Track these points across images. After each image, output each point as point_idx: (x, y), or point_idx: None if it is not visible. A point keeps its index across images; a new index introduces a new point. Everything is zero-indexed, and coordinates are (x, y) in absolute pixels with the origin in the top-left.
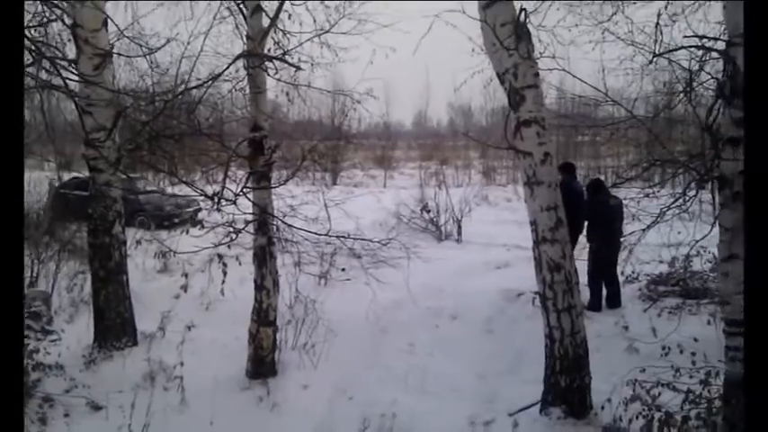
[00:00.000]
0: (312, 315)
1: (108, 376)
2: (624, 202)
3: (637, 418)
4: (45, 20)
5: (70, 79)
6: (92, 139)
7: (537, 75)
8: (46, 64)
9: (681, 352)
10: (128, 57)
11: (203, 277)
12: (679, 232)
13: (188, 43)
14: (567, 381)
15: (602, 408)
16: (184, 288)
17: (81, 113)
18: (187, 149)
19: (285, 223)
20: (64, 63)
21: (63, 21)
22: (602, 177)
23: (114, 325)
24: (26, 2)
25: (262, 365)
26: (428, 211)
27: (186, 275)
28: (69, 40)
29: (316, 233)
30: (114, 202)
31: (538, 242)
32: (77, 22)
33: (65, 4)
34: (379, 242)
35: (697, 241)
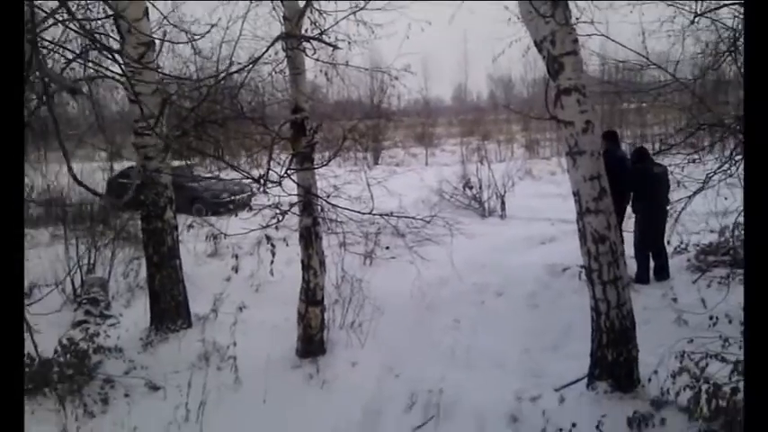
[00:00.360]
0: (358, 294)
1: (164, 357)
2: (670, 169)
3: (684, 390)
4: (89, 13)
5: (115, 73)
6: (141, 127)
7: (575, 41)
8: (93, 55)
9: (729, 322)
10: (171, 43)
11: (252, 260)
12: (726, 198)
13: (227, 28)
14: (613, 354)
15: (649, 380)
16: (235, 269)
17: (130, 102)
18: (231, 134)
19: (329, 203)
20: (111, 53)
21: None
22: (649, 145)
23: (169, 308)
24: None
25: (311, 344)
26: (471, 188)
27: (237, 257)
28: (112, 30)
29: (360, 212)
30: (165, 188)
31: (582, 213)
32: (119, 12)
33: None
34: (422, 219)
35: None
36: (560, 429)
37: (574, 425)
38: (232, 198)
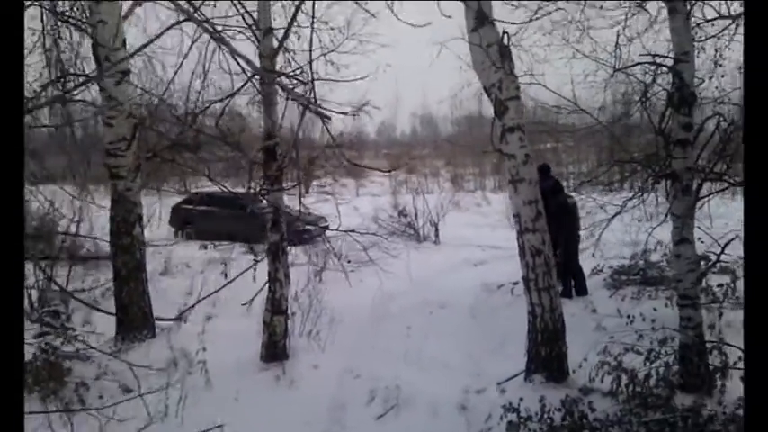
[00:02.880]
0: (316, 305)
1: (134, 363)
2: (589, 199)
3: (607, 376)
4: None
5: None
6: (113, 148)
7: (518, 88)
8: (71, 80)
9: (643, 320)
10: (146, 75)
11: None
12: (637, 229)
13: (199, 62)
14: (547, 350)
15: (574, 371)
16: (225, 274)
17: (105, 125)
18: (205, 157)
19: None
20: (86, 78)
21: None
22: (564, 181)
23: (136, 318)
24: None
25: (275, 350)
26: (405, 215)
27: (225, 264)
28: (88, 58)
29: (329, 228)
30: (134, 206)
31: (521, 232)
32: (99, 41)
33: (87, 25)
34: (380, 236)
35: (654, 227)
36: (510, 404)
37: (521, 399)
38: (307, 228)
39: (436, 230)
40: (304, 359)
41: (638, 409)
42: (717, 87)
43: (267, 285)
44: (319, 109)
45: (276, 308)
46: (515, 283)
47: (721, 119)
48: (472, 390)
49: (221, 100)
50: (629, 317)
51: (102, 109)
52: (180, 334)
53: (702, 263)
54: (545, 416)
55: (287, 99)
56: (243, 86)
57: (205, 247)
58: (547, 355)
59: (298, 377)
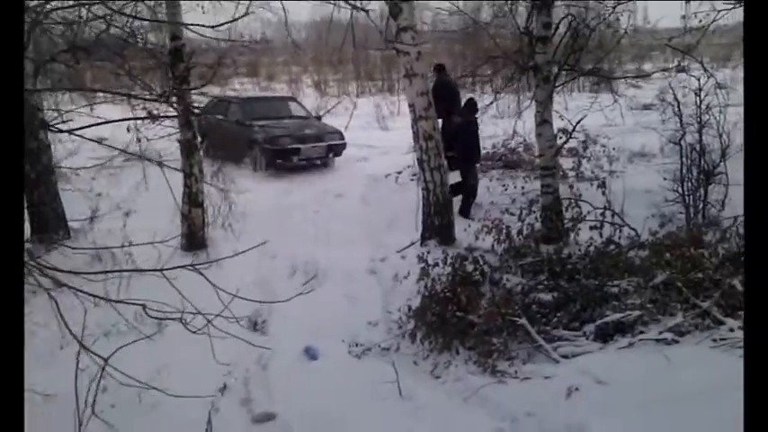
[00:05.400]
0: (227, 200)
1: (57, 261)
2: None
3: (488, 234)
4: None
5: None
6: None
7: None
8: None
9: (514, 188)
10: None
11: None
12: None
13: None
14: (439, 219)
15: (462, 233)
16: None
17: None
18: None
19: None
20: None
21: None
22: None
23: (49, 219)
24: None
25: (194, 240)
26: None
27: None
28: None
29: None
30: (37, 109)
31: (416, 119)
32: None
33: None
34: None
35: (520, 113)
36: (419, 256)
37: (428, 252)
38: (301, 146)
39: None
40: (222, 246)
41: (513, 258)
42: None
43: (183, 180)
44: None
45: (193, 201)
46: (399, 173)
47: (573, 19)
48: (377, 258)
49: None
50: (504, 185)
51: None
52: (95, 233)
53: (561, 135)
54: (447, 263)
55: None
56: None
57: None
58: (439, 223)
59: (222, 261)
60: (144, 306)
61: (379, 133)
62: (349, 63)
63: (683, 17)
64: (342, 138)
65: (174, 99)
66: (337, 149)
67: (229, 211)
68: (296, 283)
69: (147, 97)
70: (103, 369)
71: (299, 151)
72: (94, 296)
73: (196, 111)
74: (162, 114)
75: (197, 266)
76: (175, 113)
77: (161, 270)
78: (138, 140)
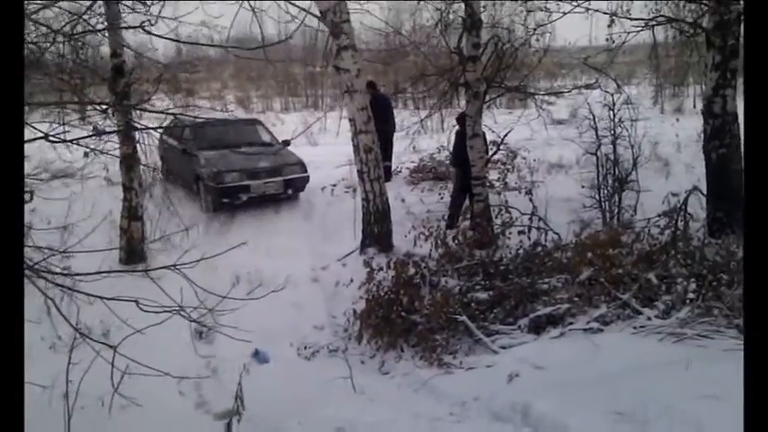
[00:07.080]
0: (165, 213)
1: None
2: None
3: (425, 241)
4: None
5: None
6: None
7: (348, 13)
8: None
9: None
10: None
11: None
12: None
13: None
14: (378, 228)
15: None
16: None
17: None
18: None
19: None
20: None
21: None
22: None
23: None
24: None
25: (134, 254)
26: None
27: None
28: None
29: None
30: None
31: (356, 133)
32: None
33: None
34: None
35: (453, 126)
36: (365, 261)
37: (372, 257)
38: (250, 183)
39: None
40: (162, 260)
41: (449, 262)
42: (491, 15)
43: (123, 194)
44: None
45: (132, 215)
46: (334, 186)
47: (498, 40)
48: (318, 267)
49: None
50: (440, 194)
51: None
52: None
53: (491, 147)
54: (390, 267)
55: None
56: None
57: None
58: (379, 231)
59: (160, 273)
60: (137, 302)
61: (308, 149)
62: (269, 79)
63: (608, 39)
64: (304, 170)
65: (112, 113)
66: (297, 184)
67: (167, 224)
68: (240, 292)
69: (89, 109)
70: (113, 357)
71: (249, 188)
72: (89, 294)
73: (138, 126)
74: (104, 130)
75: (179, 267)
76: (116, 128)
77: (145, 270)
78: (86, 155)
